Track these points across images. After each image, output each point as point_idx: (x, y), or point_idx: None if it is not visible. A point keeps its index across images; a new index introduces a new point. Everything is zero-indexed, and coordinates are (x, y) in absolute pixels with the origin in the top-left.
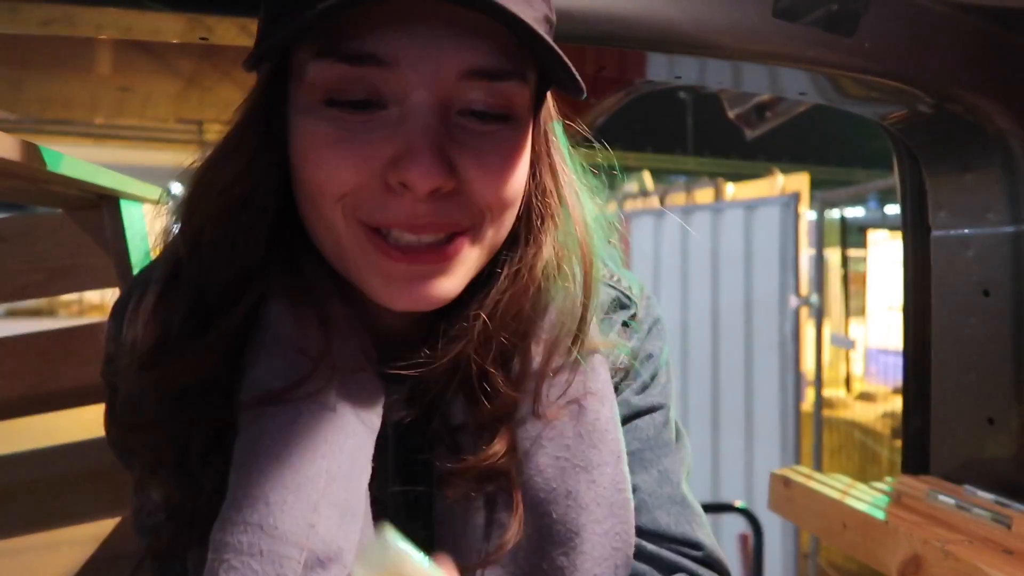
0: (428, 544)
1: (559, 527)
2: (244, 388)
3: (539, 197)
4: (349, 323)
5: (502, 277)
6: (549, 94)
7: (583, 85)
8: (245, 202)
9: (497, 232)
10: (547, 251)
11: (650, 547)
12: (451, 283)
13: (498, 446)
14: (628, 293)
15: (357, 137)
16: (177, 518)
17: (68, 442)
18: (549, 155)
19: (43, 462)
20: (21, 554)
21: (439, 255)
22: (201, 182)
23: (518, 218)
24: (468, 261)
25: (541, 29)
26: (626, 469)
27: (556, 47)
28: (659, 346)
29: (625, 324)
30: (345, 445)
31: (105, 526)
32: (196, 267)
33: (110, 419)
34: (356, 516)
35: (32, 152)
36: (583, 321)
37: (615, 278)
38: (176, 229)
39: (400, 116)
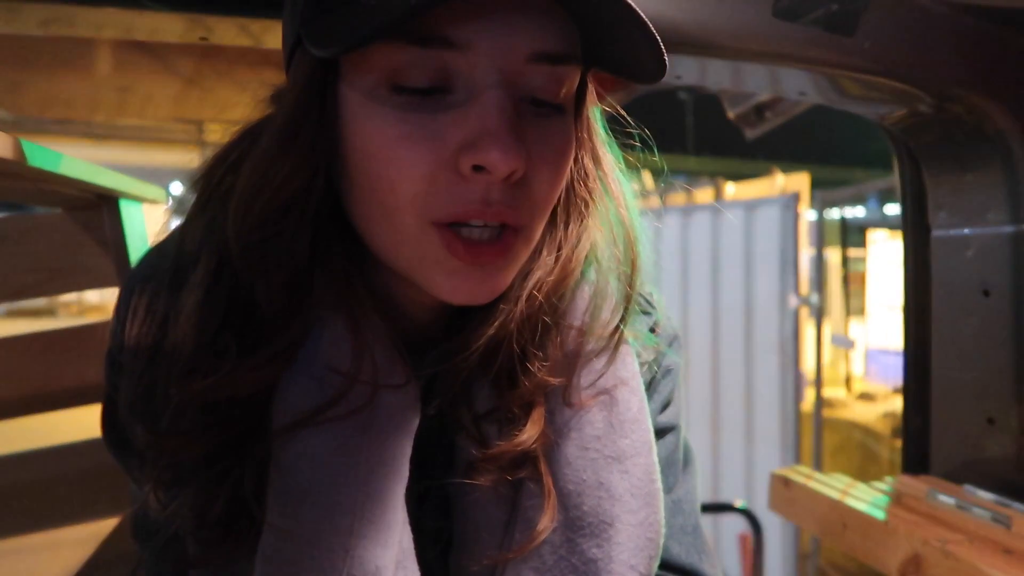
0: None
1: (591, 519)
2: (276, 411)
3: (581, 182)
4: (382, 329)
5: (542, 260)
6: (590, 78)
7: (666, 60)
8: (299, 199)
9: (541, 225)
10: (589, 235)
11: (660, 573)
12: (506, 277)
13: (530, 431)
14: (649, 299)
15: (425, 128)
16: (197, 534)
17: (68, 442)
18: (591, 139)
19: (43, 462)
20: (21, 554)
21: (498, 249)
22: (254, 177)
23: (558, 207)
24: (519, 255)
25: None
26: (656, 459)
27: (647, 20)
28: (678, 362)
29: (650, 331)
30: (381, 457)
31: (105, 526)
32: (246, 268)
33: (110, 420)
34: (393, 526)
35: (32, 152)
36: (629, 300)
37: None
38: (192, 225)
39: (468, 100)
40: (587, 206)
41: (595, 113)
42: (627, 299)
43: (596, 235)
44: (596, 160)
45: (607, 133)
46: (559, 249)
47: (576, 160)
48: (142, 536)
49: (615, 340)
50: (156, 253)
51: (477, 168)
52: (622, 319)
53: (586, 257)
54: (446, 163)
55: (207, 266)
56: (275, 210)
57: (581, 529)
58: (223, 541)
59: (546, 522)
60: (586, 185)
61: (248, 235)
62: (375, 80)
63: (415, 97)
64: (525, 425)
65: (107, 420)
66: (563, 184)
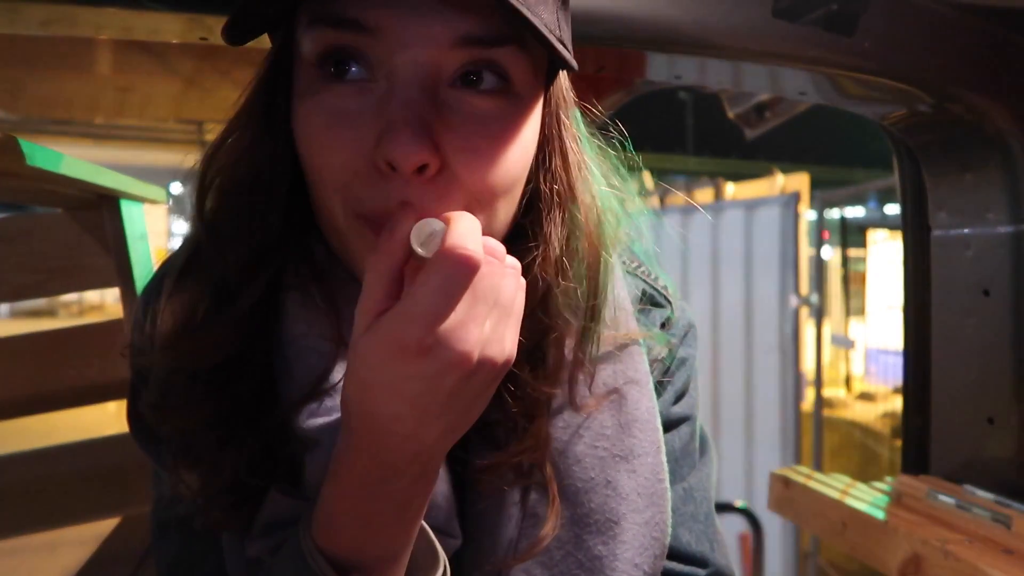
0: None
1: (597, 516)
2: (283, 383)
3: (547, 184)
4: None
5: None
6: (563, 74)
7: (571, 62)
8: (254, 180)
9: (490, 221)
10: (555, 244)
11: (666, 563)
12: None
13: (531, 440)
14: (664, 292)
15: (348, 119)
16: (213, 501)
17: (68, 442)
18: (560, 138)
19: (43, 462)
20: (21, 554)
21: None
22: (210, 161)
23: (526, 208)
24: None
25: (550, 2)
26: (664, 459)
27: (535, 19)
28: (693, 353)
29: (662, 326)
30: None
31: (105, 526)
32: (213, 247)
33: (135, 408)
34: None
35: (32, 152)
36: (593, 319)
37: (652, 276)
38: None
39: (387, 91)
40: (550, 212)
41: (571, 111)
42: (593, 310)
43: (565, 243)
44: (565, 161)
45: (584, 133)
46: (527, 260)
47: (543, 160)
48: (163, 523)
49: (615, 345)
50: (177, 250)
51: (391, 166)
52: (588, 333)
53: (561, 268)
54: (366, 157)
55: (184, 248)
56: (231, 191)
57: (588, 526)
58: (234, 510)
59: (549, 528)
60: (552, 188)
61: (212, 215)
62: (310, 70)
63: (344, 86)
64: (529, 432)
65: (131, 408)
66: (511, 176)
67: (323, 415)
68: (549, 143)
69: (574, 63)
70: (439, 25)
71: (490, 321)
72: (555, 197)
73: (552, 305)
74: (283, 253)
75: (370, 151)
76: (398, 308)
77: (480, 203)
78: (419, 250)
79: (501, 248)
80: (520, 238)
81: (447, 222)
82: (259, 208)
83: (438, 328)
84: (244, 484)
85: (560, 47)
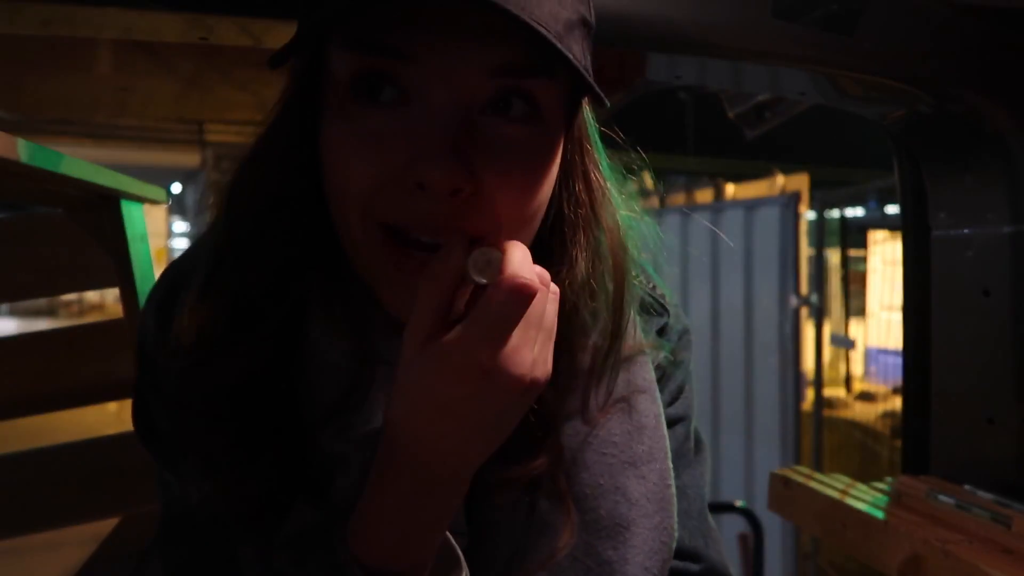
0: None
1: (607, 522)
2: (304, 409)
3: (571, 208)
4: (386, 326)
5: None
6: (585, 102)
7: (602, 95)
8: (279, 199)
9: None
10: (581, 265)
11: None
12: None
13: (545, 454)
14: (662, 301)
15: (377, 138)
16: (230, 513)
17: (68, 442)
18: (583, 164)
19: (43, 462)
20: (21, 554)
21: None
22: (239, 177)
23: (551, 231)
24: None
25: (575, 32)
26: (671, 464)
27: (569, 54)
28: (687, 356)
29: (659, 333)
30: None
31: (105, 526)
32: (235, 262)
33: (147, 419)
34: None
35: (32, 152)
36: (615, 338)
37: (651, 285)
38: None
39: (421, 115)
40: (575, 235)
41: (593, 137)
42: (614, 334)
43: (589, 266)
44: (588, 187)
45: (604, 154)
46: (555, 280)
47: (567, 186)
48: (172, 529)
49: (622, 361)
50: (187, 254)
51: (421, 186)
52: (609, 351)
53: (585, 290)
54: (395, 175)
55: (207, 259)
56: (257, 209)
57: (597, 532)
58: (251, 522)
59: (566, 538)
60: (577, 212)
61: (235, 229)
62: (340, 91)
63: (376, 109)
64: (545, 445)
65: (137, 412)
66: (539, 201)
67: (350, 433)
68: (572, 169)
69: (605, 99)
70: (475, 54)
71: (537, 344)
72: (579, 221)
73: (576, 323)
74: (310, 271)
75: (398, 171)
76: (461, 333)
77: (508, 226)
78: (478, 278)
79: (547, 275)
80: (546, 261)
81: (502, 251)
82: (286, 225)
83: (499, 352)
84: (261, 497)
85: (592, 81)
